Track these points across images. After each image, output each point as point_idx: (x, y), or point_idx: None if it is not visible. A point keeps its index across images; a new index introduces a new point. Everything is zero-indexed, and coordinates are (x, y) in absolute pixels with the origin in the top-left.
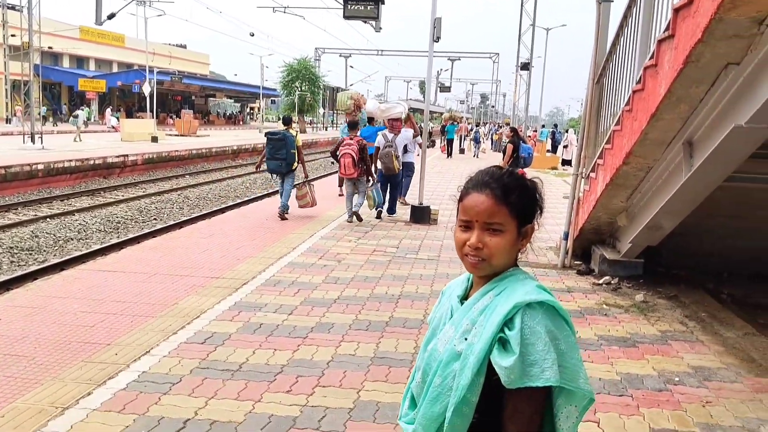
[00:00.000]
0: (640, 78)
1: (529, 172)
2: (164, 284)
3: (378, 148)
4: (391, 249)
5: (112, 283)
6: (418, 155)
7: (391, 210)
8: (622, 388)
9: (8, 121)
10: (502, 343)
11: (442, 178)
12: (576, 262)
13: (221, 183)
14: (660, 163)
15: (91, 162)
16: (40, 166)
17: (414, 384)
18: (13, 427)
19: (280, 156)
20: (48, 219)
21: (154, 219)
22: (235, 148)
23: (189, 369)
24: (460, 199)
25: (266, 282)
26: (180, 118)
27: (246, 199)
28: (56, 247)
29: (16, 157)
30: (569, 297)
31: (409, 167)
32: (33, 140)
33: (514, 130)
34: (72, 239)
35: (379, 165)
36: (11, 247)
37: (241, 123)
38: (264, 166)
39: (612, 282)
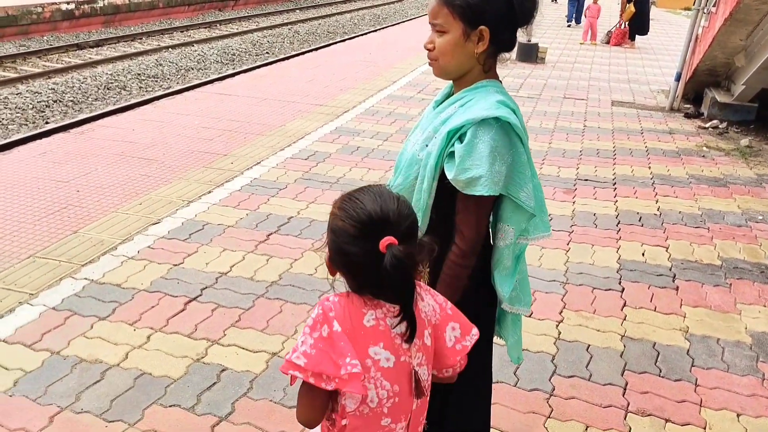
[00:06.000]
0: None
1: (657, 11)
2: (273, 108)
3: None
4: None
5: (227, 105)
6: None
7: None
8: (700, 221)
9: None
10: (453, 154)
11: (560, 13)
12: (686, 106)
13: (330, 18)
14: None
15: None
16: None
17: (391, 178)
18: (149, 212)
19: None
20: (170, 49)
21: (267, 53)
22: None
23: (293, 179)
24: None
25: (365, 111)
26: None
27: (353, 35)
28: (178, 76)
29: None
30: (669, 138)
31: None
32: None
33: None
34: (192, 69)
35: None
36: (138, 74)
37: None
38: None
39: (719, 126)
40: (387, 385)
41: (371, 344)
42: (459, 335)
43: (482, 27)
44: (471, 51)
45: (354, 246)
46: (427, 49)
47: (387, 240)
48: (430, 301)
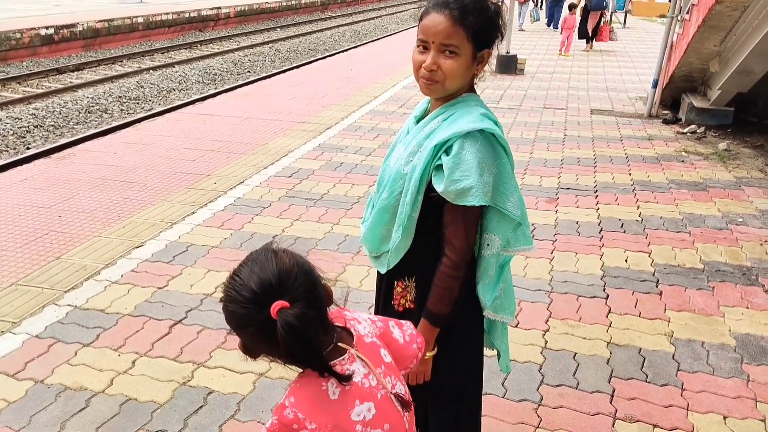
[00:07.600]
0: None
1: (633, 19)
2: (255, 126)
3: None
4: None
5: (209, 125)
6: None
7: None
8: (681, 226)
9: None
10: (441, 167)
11: (536, 26)
12: (663, 112)
13: (311, 36)
14: (756, 2)
15: (187, 15)
16: (140, 20)
17: (373, 193)
18: (132, 235)
19: None
20: (151, 71)
21: (248, 71)
22: None
23: (277, 197)
24: (420, 19)
25: (348, 127)
26: None
27: (334, 52)
28: (160, 97)
29: (117, 11)
30: (648, 144)
31: None
32: None
33: None
34: (174, 89)
35: None
36: (120, 97)
37: None
38: None
39: (697, 131)
40: (379, 431)
41: (349, 408)
42: (400, 329)
43: (486, 50)
44: (471, 72)
45: (250, 326)
46: (431, 70)
47: (277, 305)
48: (362, 316)
